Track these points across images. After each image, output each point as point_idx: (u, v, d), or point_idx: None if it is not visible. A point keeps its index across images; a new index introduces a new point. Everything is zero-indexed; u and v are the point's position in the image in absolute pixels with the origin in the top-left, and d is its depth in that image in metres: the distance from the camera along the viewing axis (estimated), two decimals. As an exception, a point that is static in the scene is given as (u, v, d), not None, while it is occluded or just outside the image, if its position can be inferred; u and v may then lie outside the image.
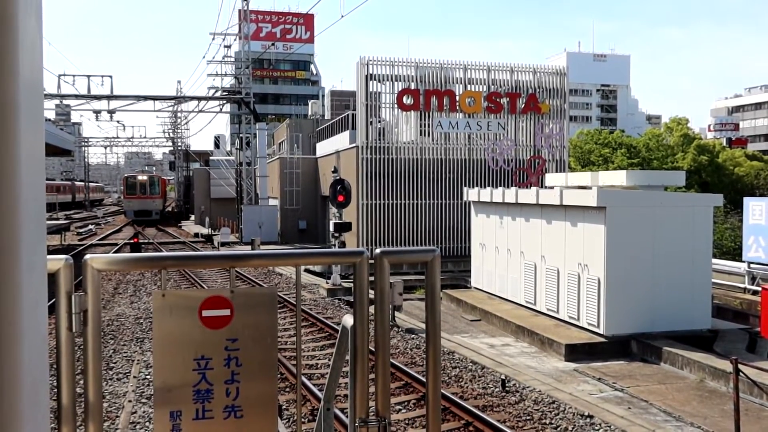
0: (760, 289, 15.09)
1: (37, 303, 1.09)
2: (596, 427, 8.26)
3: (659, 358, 11.98)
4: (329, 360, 11.56)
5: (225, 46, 38.97)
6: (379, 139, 26.11)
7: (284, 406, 9.04)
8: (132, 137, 67.61)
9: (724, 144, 71.50)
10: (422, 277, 2.20)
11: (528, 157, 27.26)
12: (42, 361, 1.13)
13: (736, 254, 23.57)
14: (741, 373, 7.48)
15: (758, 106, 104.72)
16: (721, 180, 51.76)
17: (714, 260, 15.39)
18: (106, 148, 78.57)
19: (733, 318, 15.57)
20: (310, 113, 52.06)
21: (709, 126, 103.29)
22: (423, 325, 15.73)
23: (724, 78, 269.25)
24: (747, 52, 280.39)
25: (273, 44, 66.84)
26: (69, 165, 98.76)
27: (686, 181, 20.49)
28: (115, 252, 26.89)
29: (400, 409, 8.98)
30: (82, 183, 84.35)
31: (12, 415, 0.99)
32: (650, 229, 13.02)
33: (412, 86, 25.81)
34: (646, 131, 66.13)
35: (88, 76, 35.21)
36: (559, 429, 8.26)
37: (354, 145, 26.64)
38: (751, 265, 17.92)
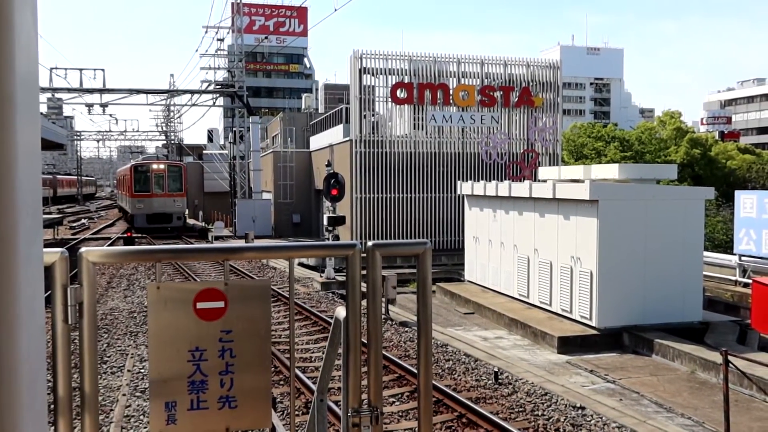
0: (750, 281, 15.20)
1: (35, 295, 1.11)
2: (588, 419, 8.33)
3: (651, 350, 12.07)
4: (322, 353, 11.58)
5: (218, 39, 38.83)
6: (373, 133, 26.09)
7: (278, 399, 9.07)
8: (125, 131, 67.32)
9: (717, 137, 71.74)
10: (415, 270, 2.23)
11: (521, 151, 27.30)
12: (40, 352, 1.15)
13: (727, 247, 23.71)
14: (731, 365, 7.55)
15: (750, 99, 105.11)
16: (714, 173, 51.95)
17: (705, 253, 15.50)
18: (98, 141, 78.26)
19: (724, 310, 15.69)
20: (303, 107, 51.93)
21: (702, 119, 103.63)
22: (416, 318, 15.72)
23: (716, 71, 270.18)
24: (739, 44, 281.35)
25: (266, 37, 66.65)
26: (61, 159, 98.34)
27: (678, 175, 20.63)
28: (108, 246, 26.80)
29: (393, 401, 9.03)
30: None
31: (11, 405, 1.01)
32: (642, 222, 13.09)
33: (406, 80, 25.78)
34: (638, 125, 66.33)
35: (80, 69, 35.02)
36: (551, 420, 8.32)
37: (348, 138, 26.62)
38: (742, 258, 18.04)
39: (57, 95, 38.56)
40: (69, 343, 1.83)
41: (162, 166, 38.74)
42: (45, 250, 1.55)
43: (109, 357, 11.33)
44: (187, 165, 44.61)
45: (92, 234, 36.26)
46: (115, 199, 75.89)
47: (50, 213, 48.34)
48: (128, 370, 10.41)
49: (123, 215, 46.55)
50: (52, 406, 1.81)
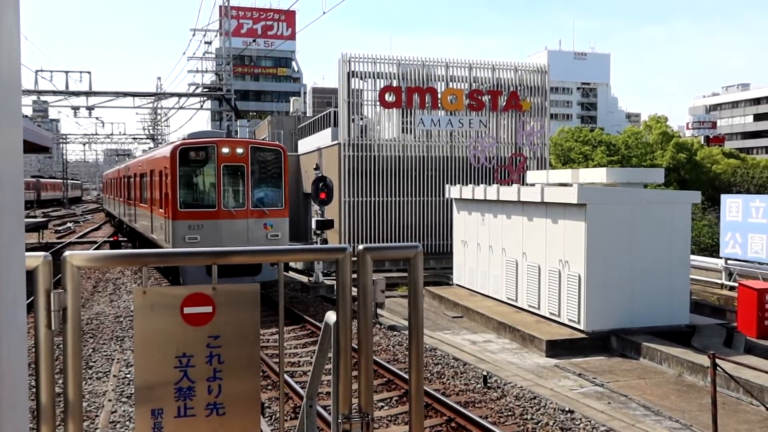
0: (736, 284, 15.32)
1: (16, 300, 1.08)
2: (577, 422, 8.33)
3: (638, 353, 12.11)
4: (311, 357, 11.53)
5: (206, 43, 38.66)
6: (361, 137, 26.07)
7: (266, 404, 9.01)
8: (111, 134, 66.73)
9: (702, 142, 72.44)
10: (404, 274, 2.20)
11: (509, 155, 27.38)
12: (21, 359, 1.12)
13: (713, 250, 23.91)
14: (718, 368, 7.59)
15: (735, 104, 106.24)
16: (699, 177, 52.41)
17: (692, 256, 15.60)
18: (84, 145, 77.62)
19: (710, 313, 15.79)
20: (291, 110, 51.82)
21: (688, 124, 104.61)
22: (405, 322, 15.56)
23: (702, 76, 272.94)
24: (725, 49, 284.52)
25: (254, 41, 66.42)
26: (47, 162, 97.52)
27: (665, 179, 20.75)
28: (93, 250, 26.45)
29: (382, 406, 8.99)
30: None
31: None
32: (630, 226, 13.15)
33: (394, 83, 25.80)
34: (625, 129, 66.78)
35: (66, 72, 34.73)
36: (540, 424, 8.32)
37: (336, 142, 26.57)
38: (728, 261, 18.18)
39: (42, 98, 38.21)
40: (52, 349, 1.79)
41: (241, 150, 16.44)
42: (28, 254, 1.52)
43: (94, 362, 11.21)
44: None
45: (78, 237, 35.95)
46: (101, 203, 65.78)
47: (35, 216, 47.86)
48: (114, 375, 10.30)
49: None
50: (35, 414, 1.78)
